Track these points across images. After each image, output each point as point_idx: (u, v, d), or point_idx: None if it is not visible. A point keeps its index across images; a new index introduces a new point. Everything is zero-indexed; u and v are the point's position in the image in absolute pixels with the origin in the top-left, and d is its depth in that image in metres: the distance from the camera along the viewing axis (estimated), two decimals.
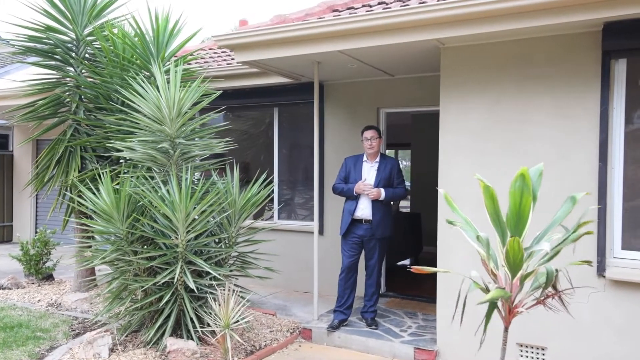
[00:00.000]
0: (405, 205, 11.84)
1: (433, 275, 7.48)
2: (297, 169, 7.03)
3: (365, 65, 5.35)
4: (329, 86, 6.39)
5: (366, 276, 5.11)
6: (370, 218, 4.91)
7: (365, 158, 5.07)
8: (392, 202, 5.23)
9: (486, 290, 2.55)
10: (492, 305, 2.41)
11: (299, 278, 6.62)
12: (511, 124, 4.22)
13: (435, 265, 8.29)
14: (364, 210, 4.93)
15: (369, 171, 5.00)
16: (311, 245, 6.53)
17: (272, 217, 7.02)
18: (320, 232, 6.21)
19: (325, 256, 6.18)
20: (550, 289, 2.58)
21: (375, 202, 4.90)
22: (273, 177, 6.89)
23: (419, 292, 6.43)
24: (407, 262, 8.50)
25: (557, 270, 2.51)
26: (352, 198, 4.98)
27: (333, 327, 4.93)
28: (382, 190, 4.88)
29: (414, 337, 4.78)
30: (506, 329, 2.63)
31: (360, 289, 5.26)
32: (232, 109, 7.12)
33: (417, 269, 2.58)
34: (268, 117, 7.15)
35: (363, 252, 5.08)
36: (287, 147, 6.99)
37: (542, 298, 2.51)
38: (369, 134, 4.98)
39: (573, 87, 4.00)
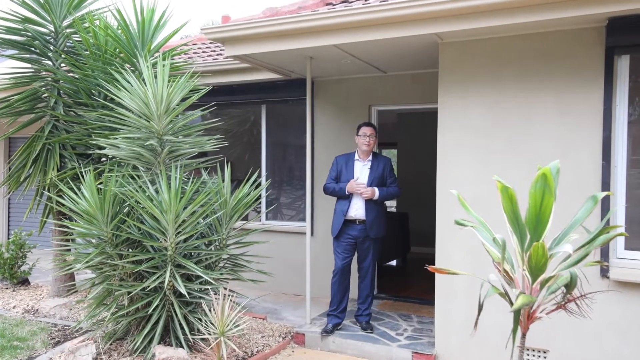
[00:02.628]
0: (391, 205, 11.75)
1: (424, 277, 7.38)
2: (285, 168, 6.85)
3: (359, 61, 5.20)
4: (320, 83, 6.23)
5: (359, 278, 4.96)
6: (364, 218, 4.76)
7: (357, 156, 4.91)
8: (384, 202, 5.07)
9: (505, 295, 2.42)
10: (518, 312, 2.27)
11: (287, 280, 6.44)
12: (512, 121, 4.12)
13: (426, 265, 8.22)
14: (357, 210, 4.77)
15: (362, 170, 4.85)
16: (300, 246, 6.37)
17: (257, 217, 6.81)
18: (311, 232, 6.04)
19: (315, 257, 6.01)
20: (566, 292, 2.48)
21: (368, 202, 4.75)
22: (261, 177, 6.68)
23: (411, 293, 6.32)
24: (394, 262, 8.40)
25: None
26: (345, 198, 4.81)
27: (327, 332, 4.76)
28: (376, 190, 4.73)
29: (410, 340, 4.65)
30: (524, 335, 2.50)
31: (352, 292, 5.11)
32: (217, 106, 6.89)
33: (434, 268, 2.43)
34: (255, 115, 6.94)
35: (356, 253, 4.93)
36: (275, 146, 6.80)
37: (563, 302, 2.38)
38: (368, 130, 4.82)
39: (576, 83, 3.92)
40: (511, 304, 2.43)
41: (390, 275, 7.46)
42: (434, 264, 8.55)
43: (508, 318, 4.08)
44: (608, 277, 3.79)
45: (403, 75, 5.83)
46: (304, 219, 6.60)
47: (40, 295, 6.00)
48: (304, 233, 6.33)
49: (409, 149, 9.61)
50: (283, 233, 6.52)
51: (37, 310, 5.49)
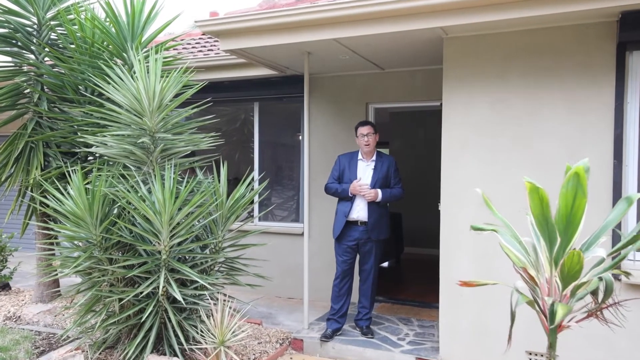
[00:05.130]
0: None
1: (420, 278, 7.26)
2: (278, 167, 6.65)
3: (358, 56, 5.03)
4: (315, 79, 6.04)
5: (360, 282, 4.79)
6: (366, 220, 4.58)
7: (360, 156, 4.74)
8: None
9: (534, 303, 2.26)
10: (555, 327, 2.11)
11: (281, 283, 6.25)
12: (520, 119, 3.99)
13: (421, 266, 8.10)
14: (359, 211, 4.60)
15: (365, 170, 4.68)
16: (293, 248, 6.19)
17: (247, 218, 6.58)
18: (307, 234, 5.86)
19: (310, 259, 5.81)
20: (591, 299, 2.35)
21: (371, 203, 4.58)
22: (254, 177, 6.47)
23: (409, 295, 6.17)
24: (385, 264, 8.24)
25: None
26: (347, 199, 4.64)
27: (327, 337, 4.58)
28: (380, 191, 4.56)
29: (413, 345, 4.49)
30: (551, 345, 2.35)
31: (353, 295, 4.93)
32: (208, 104, 6.65)
33: (464, 282, 2.26)
34: (248, 113, 6.73)
35: (357, 256, 4.76)
36: (267, 145, 6.60)
37: (595, 310, 2.24)
38: (365, 129, 4.65)
39: (586, 80, 3.80)
40: (541, 311, 2.28)
41: (385, 277, 7.30)
42: (428, 265, 8.39)
43: (515, 323, 3.96)
44: (620, 280, 3.68)
45: (401, 72, 5.67)
46: (296, 220, 6.41)
47: (23, 301, 5.71)
48: (297, 234, 6.17)
49: (402, 148, 9.47)
50: (276, 234, 6.32)
51: (19, 317, 5.21)
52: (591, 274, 2.20)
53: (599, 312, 2.24)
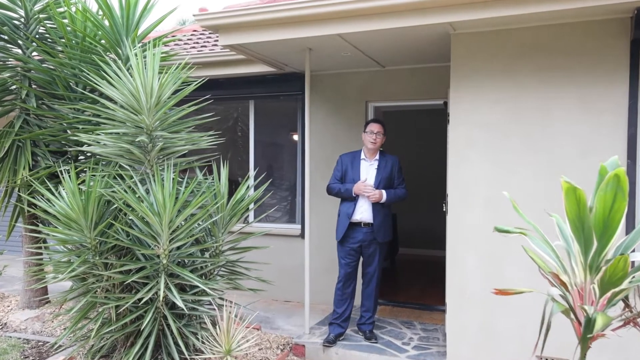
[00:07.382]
0: None
1: (417, 280, 7.17)
2: (273, 167, 6.49)
3: (360, 53, 4.90)
4: (313, 77, 5.87)
5: (363, 285, 4.66)
6: (371, 221, 4.45)
7: (363, 155, 4.61)
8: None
9: (569, 311, 2.15)
10: (588, 337, 2.00)
11: (278, 285, 6.02)
12: (529, 118, 3.89)
13: (417, 268, 8.00)
14: (363, 213, 4.46)
15: (368, 170, 4.54)
16: (290, 249, 6.04)
17: (243, 220, 6.39)
18: (302, 235, 5.72)
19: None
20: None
21: (375, 204, 4.45)
22: (250, 180, 6.29)
23: (408, 298, 6.05)
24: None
25: None
26: (350, 199, 4.50)
27: (329, 342, 4.44)
28: (384, 192, 4.43)
29: (419, 350, 4.37)
30: (584, 355, 2.24)
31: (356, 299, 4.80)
32: (202, 102, 6.46)
33: (499, 291, 2.13)
34: (243, 111, 6.55)
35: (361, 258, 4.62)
36: (263, 144, 6.43)
37: (633, 317, 2.13)
38: (375, 127, 4.52)
39: (598, 78, 3.71)
40: (575, 319, 2.17)
41: (383, 279, 7.17)
42: (424, 266, 8.29)
43: (524, 326, 3.86)
44: None
45: (402, 70, 5.55)
46: (290, 221, 6.26)
47: (9, 307, 5.45)
48: (294, 235, 6.03)
49: (397, 148, 9.35)
50: (272, 236, 6.14)
51: (5, 323, 4.96)
52: (629, 280, 2.09)
53: (638, 319, 2.13)
